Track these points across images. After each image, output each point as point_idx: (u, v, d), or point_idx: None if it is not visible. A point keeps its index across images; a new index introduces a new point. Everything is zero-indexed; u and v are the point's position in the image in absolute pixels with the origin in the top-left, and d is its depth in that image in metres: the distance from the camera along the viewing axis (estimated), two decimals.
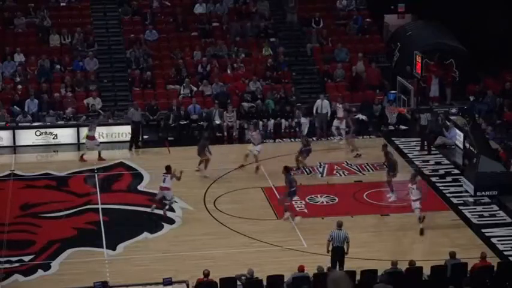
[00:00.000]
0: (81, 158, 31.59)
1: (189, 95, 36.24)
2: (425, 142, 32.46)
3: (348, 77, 37.82)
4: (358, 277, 21.00)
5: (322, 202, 27.88)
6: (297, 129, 34.59)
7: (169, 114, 34.81)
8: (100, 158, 31.51)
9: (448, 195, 28.44)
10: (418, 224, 25.43)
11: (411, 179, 25.99)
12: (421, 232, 25.21)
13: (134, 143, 33.04)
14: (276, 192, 28.33)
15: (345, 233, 22.60)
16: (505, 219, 26.66)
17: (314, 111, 34.56)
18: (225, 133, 34.45)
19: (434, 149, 32.36)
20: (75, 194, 28.53)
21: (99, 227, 26.09)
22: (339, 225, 22.71)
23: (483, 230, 25.75)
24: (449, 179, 29.89)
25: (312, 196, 28.07)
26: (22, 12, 38.88)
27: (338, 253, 22.35)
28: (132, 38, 38.42)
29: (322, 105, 34.40)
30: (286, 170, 26.60)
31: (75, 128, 33.65)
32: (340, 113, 33.31)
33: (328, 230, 25.51)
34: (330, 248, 22.48)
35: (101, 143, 32.08)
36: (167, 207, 26.66)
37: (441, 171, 30.65)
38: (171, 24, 39.70)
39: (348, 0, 41.24)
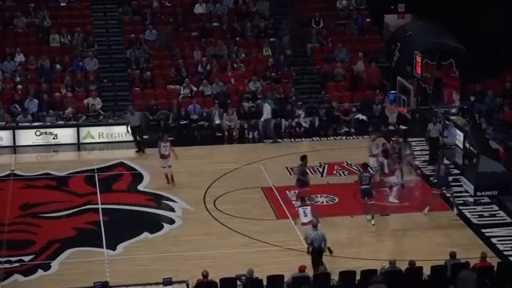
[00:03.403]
0: (167, 180, 28.95)
1: (189, 95, 36.24)
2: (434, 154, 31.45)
3: (348, 77, 37.83)
4: (358, 277, 21.03)
5: (322, 202, 27.87)
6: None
7: (169, 114, 34.83)
8: (168, 181, 28.94)
9: (448, 195, 28.41)
10: None
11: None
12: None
13: (138, 146, 32.68)
14: (275, 192, 28.35)
15: (322, 232, 22.62)
16: (505, 219, 26.66)
17: (262, 118, 34.42)
18: (226, 133, 34.41)
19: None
20: (75, 194, 28.54)
21: (99, 227, 26.09)
22: (315, 226, 22.71)
23: (483, 230, 25.75)
24: (449, 179, 29.81)
25: (312, 196, 28.04)
26: (22, 12, 38.88)
27: (320, 253, 22.39)
28: (132, 38, 38.43)
29: (266, 110, 34.24)
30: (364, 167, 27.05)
31: (75, 128, 33.67)
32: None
33: (328, 230, 25.55)
34: (310, 250, 22.44)
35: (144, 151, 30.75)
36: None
37: (441, 172, 30.57)
38: (171, 24, 39.69)
39: (348, 0, 41.25)
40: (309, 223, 23.53)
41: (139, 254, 24.26)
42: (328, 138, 34.43)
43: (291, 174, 30.29)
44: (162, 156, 28.85)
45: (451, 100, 36.46)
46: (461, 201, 27.90)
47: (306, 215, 23.86)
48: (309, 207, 24.05)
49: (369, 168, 27.54)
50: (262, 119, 34.25)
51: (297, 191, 27.40)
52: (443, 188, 27.21)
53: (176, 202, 27.81)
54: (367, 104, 36.20)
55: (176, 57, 37.73)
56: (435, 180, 27.83)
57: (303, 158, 27.80)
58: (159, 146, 28.92)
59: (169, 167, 28.88)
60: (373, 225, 25.99)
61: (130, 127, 32.66)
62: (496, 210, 27.30)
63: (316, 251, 22.34)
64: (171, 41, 38.52)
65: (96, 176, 30.10)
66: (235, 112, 34.80)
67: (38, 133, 33.33)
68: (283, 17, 40.73)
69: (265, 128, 34.18)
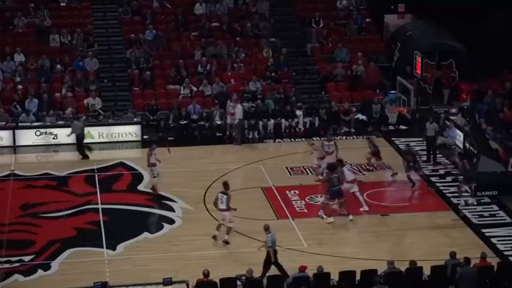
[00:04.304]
0: (154, 190, 28.41)
1: (189, 95, 36.24)
2: (432, 154, 31.68)
3: (348, 77, 37.83)
4: (358, 277, 21.03)
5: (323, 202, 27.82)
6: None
7: (169, 114, 34.82)
8: (154, 190, 28.37)
9: (448, 195, 28.43)
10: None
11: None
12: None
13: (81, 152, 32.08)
14: (275, 192, 28.35)
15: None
16: (505, 219, 26.67)
17: (240, 118, 34.00)
18: (227, 132, 34.36)
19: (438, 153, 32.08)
20: (75, 194, 28.54)
21: (99, 227, 26.10)
22: (268, 228, 22.64)
23: (483, 230, 25.75)
24: (449, 179, 29.88)
25: (312, 196, 28.05)
26: (22, 12, 38.88)
27: (275, 255, 22.35)
28: (132, 38, 38.43)
29: (238, 110, 33.97)
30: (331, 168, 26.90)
31: None
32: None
33: (328, 229, 25.66)
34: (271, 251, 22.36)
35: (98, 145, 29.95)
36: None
37: (441, 171, 30.66)
38: (171, 24, 39.70)
39: (348, 0, 41.26)
40: (224, 210, 24.47)
41: (139, 254, 24.26)
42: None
43: (291, 174, 30.30)
44: (151, 165, 28.40)
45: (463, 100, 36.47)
46: (463, 202, 27.91)
47: (222, 202, 24.53)
48: (225, 196, 24.53)
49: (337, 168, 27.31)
50: (241, 120, 34.04)
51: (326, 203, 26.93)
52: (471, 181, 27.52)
53: (176, 202, 27.80)
54: (367, 104, 36.20)
55: (177, 53, 37.67)
56: (461, 176, 27.96)
57: (334, 167, 27.30)
58: (148, 155, 28.33)
59: (156, 175, 28.29)
60: (330, 223, 25.99)
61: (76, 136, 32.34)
62: (496, 210, 27.30)
63: (275, 252, 22.35)
64: (164, 42, 38.51)
65: (96, 176, 30.10)
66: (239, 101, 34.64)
67: (38, 133, 33.32)
68: (283, 17, 40.76)
69: (236, 129, 34.02)
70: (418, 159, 29.46)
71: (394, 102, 36.00)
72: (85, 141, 33.29)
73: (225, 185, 25.00)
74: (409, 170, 29.00)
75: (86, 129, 33.54)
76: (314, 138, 34.03)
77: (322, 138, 31.26)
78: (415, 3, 40.64)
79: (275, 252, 22.29)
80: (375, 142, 30.93)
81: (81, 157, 31.93)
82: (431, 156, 31.54)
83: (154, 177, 28.45)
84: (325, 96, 37.12)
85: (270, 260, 22.19)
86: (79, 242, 24.93)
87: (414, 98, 35.54)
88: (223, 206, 24.64)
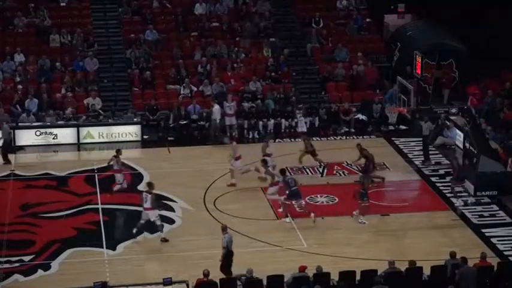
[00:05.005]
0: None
1: (189, 95, 36.24)
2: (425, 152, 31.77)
3: (348, 77, 37.83)
4: (358, 277, 21.03)
5: (322, 202, 27.86)
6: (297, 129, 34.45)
7: (169, 114, 34.82)
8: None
9: (448, 195, 28.44)
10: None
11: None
12: None
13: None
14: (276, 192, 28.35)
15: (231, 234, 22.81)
16: (505, 219, 26.68)
17: (216, 119, 33.97)
18: (227, 133, 34.38)
19: (432, 148, 32.13)
20: (75, 194, 28.54)
21: (99, 227, 26.10)
22: (225, 229, 22.72)
23: (483, 230, 25.76)
24: (449, 179, 29.86)
25: (312, 196, 28.06)
26: (22, 12, 38.89)
27: (232, 256, 22.39)
28: (132, 38, 38.43)
29: (215, 110, 33.91)
30: (282, 172, 26.88)
31: (75, 128, 33.66)
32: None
33: (328, 230, 25.66)
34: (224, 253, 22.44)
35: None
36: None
37: (441, 171, 30.66)
38: (171, 24, 39.71)
39: (348, 0, 41.27)
40: (149, 209, 24.74)
41: (139, 254, 24.27)
42: (328, 138, 34.44)
43: (291, 174, 30.25)
44: (116, 171, 28.63)
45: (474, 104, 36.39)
46: (462, 201, 27.93)
47: (146, 202, 24.83)
48: (149, 195, 24.84)
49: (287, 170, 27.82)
50: (215, 121, 33.93)
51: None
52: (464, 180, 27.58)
53: (176, 202, 27.80)
54: (367, 104, 36.21)
55: (176, 57, 37.70)
56: (455, 174, 27.95)
57: (284, 171, 27.48)
58: (115, 162, 28.57)
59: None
60: (289, 222, 26.06)
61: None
62: (496, 210, 27.32)
63: (231, 253, 22.37)
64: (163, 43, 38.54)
65: (96, 176, 30.10)
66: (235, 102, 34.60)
67: (38, 133, 33.32)
68: (283, 17, 40.76)
69: (214, 130, 33.90)
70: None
71: (393, 102, 35.98)
72: (86, 141, 33.36)
73: (150, 184, 25.35)
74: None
75: (86, 129, 33.61)
76: (314, 138, 34.11)
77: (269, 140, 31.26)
78: (415, 3, 40.64)
79: (231, 253, 22.30)
80: (310, 142, 31.11)
81: (3, 161, 31.44)
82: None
83: (119, 183, 28.49)
84: (325, 96, 37.12)
85: (226, 259, 22.20)
86: (79, 242, 24.96)
87: (414, 98, 35.52)
88: (147, 205, 24.86)
